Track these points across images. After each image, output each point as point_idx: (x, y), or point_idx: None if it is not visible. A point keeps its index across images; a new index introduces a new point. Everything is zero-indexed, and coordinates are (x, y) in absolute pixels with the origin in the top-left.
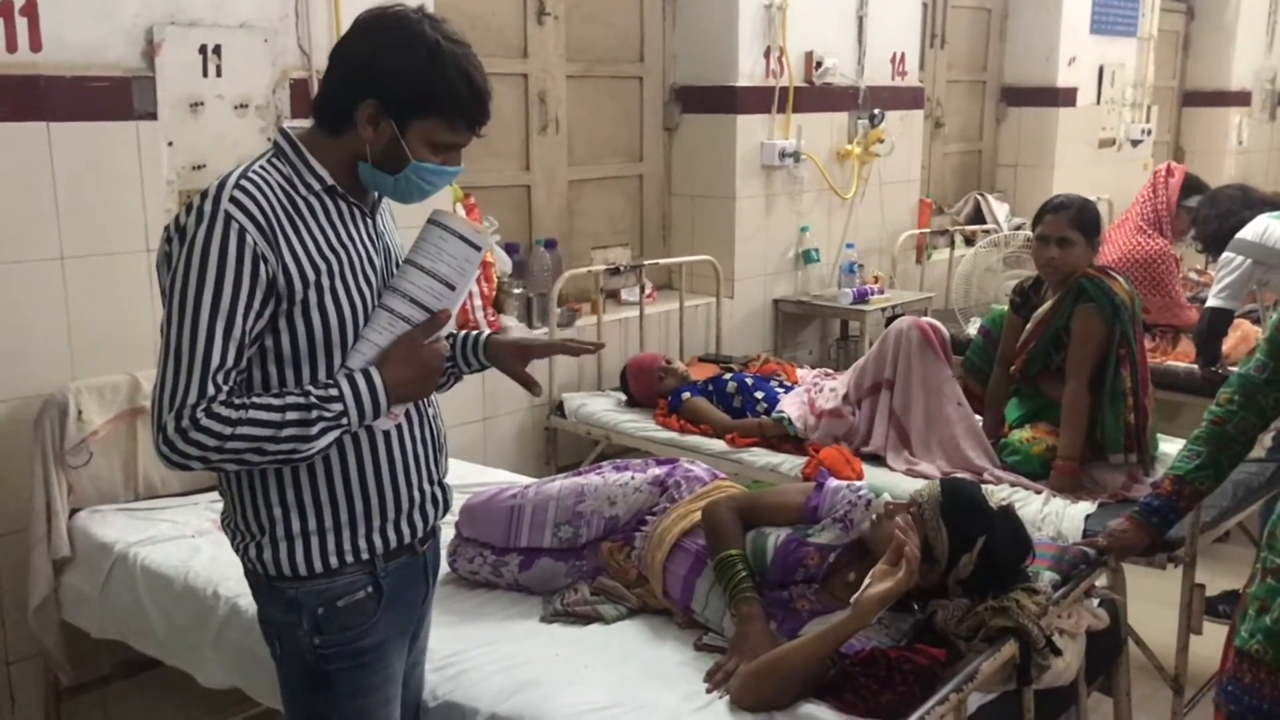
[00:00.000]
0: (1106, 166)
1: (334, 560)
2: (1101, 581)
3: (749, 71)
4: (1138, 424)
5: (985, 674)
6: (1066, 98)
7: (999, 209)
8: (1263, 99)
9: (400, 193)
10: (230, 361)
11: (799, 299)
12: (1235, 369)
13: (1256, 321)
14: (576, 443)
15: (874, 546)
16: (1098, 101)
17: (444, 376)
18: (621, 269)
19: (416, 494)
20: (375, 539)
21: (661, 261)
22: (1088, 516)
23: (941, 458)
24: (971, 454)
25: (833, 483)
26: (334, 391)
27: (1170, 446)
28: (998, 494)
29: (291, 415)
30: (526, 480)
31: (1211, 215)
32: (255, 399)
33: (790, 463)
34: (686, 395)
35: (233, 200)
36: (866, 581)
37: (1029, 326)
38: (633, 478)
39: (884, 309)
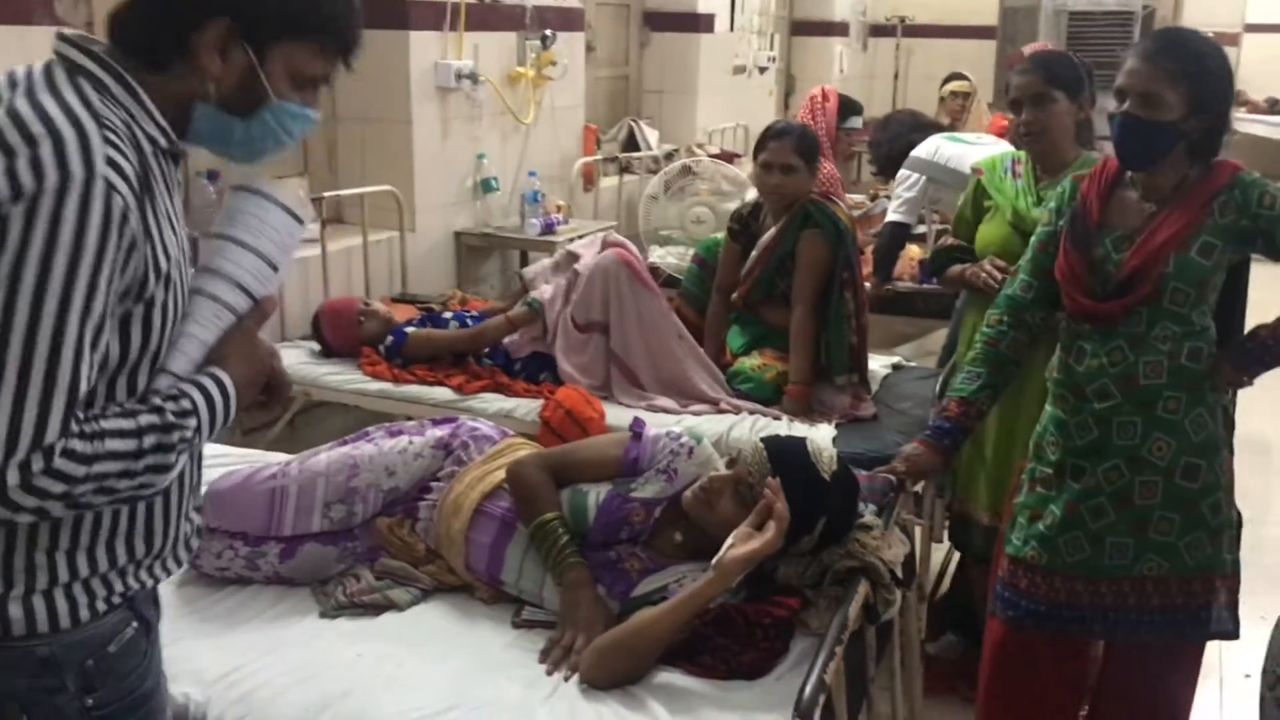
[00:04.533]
0: (740, 93)
1: (101, 605)
2: None
3: None
4: (859, 345)
5: (854, 618)
6: (706, 24)
7: (651, 135)
8: (858, 30)
9: (247, 145)
10: (93, 381)
11: (482, 231)
12: (901, 285)
13: (922, 239)
14: None
15: (695, 512)
16: (731, 29)
17: None
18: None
19: (185, 525)
20: (131, 582)
21: (344, 193)
22: (833, 440)
23: (676, 392)
24: (704, 386)
25: (651, 431)
26: (187, 404)
27: (874, 363)
28: (825, 453)
29: (150, 440)
30: (265, 455)
31: (884, 139)
32: (106, 423)
33: (525, 407)
34: (411, 330)
35: (109, 161)
36: (729, 542)
37: (754, 254)
38: (411, 442)
39: (571, 239)
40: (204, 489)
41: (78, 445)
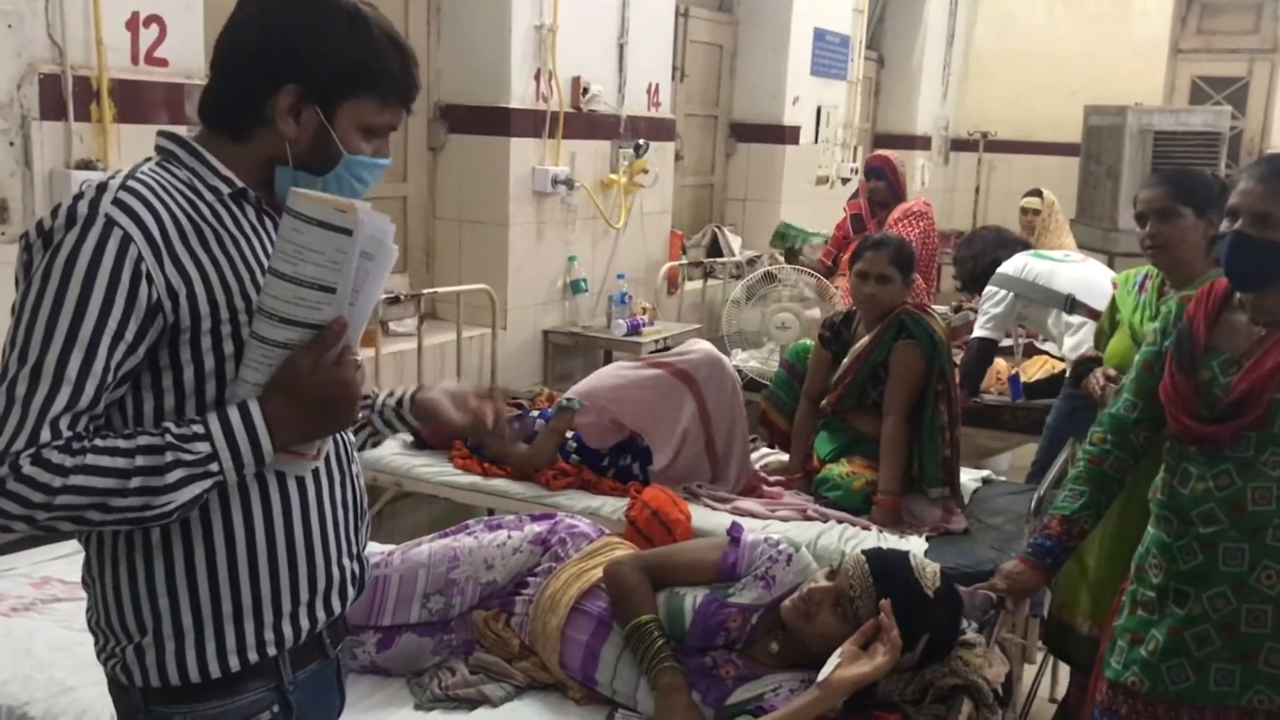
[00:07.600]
0: (821, 203)
1: (234, 660)
2: None
3: (520, 94)
4: (952, 458)
5: None
6: (791, 136)
7: (734, 241)
8: (939, 144)
9: None
10: (83, 403)
11: (570, 330)
12: (989, 398)
13: (1009, 353)
14: None
15: (793, 623)
16: (816, 140)
17: (361, 428)
18: (402, 298)
19: (335, 571)
20: (285, 628)
21: (441, 290)
22: (925, 552)
23: (760, 495)
24: (788, 494)
25: (749, 537)
26: (198, 429)
27: (964, 477)
28: (928, 569)
29: (142, 460)
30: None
31: (968, 255)
32: (100, 441)
33: (611, 505)
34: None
35: (117, 202)
36: (835, 660)
37: (846, 361)
38: (510, 537)
39: (657, 341)
40: None
41: (55, 456)
